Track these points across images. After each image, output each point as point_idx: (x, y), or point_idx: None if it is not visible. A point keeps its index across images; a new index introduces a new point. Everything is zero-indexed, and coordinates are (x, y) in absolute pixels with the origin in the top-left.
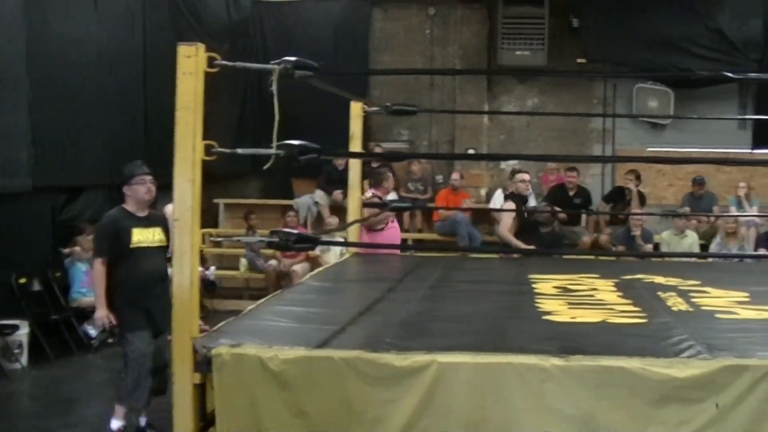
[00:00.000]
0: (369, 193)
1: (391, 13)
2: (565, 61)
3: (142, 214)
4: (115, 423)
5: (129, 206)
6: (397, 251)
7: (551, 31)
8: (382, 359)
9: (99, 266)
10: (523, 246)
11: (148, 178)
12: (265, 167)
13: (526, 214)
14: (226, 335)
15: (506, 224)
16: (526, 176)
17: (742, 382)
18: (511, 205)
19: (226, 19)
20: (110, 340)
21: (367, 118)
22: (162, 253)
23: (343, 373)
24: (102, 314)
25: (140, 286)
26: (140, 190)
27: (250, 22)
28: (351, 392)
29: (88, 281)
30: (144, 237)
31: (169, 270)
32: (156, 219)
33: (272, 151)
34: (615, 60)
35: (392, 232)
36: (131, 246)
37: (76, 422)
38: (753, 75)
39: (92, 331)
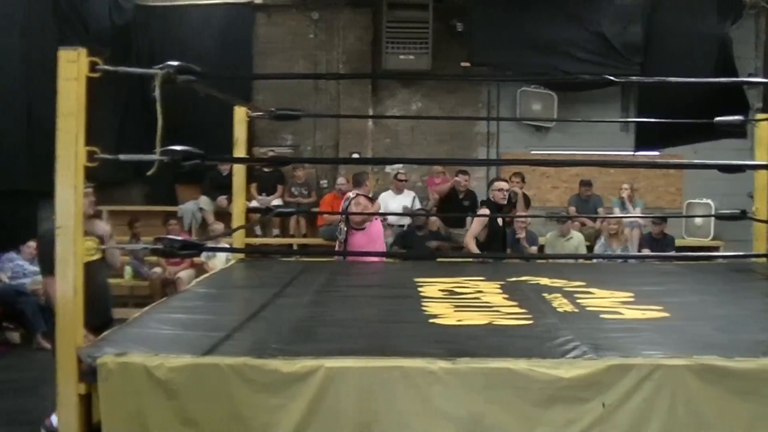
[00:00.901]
0: (352, 194)
1: (275, 18)
2: (449, 65)
3: None
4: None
5: None
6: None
7: (435, 35)
8: (269, 365)
9: (53, 283)
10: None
11: (90, 191)
12: (149, 173)
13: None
14: (111, 344)
15: (473, 231)
16: (504, 185)
17: (627, 381)
18: (486, 210)
19: (109, 23)
20: None
21: (251, 123)
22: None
23: (230, 379)
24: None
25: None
26: (84, 202)
27: (133, 27)
28: (239, 399)
29: None
30: None
31: None
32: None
33: (156, 157)
34: (499, 64)
35: (376, 229)
36: None
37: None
38: (635, 78)
39: None
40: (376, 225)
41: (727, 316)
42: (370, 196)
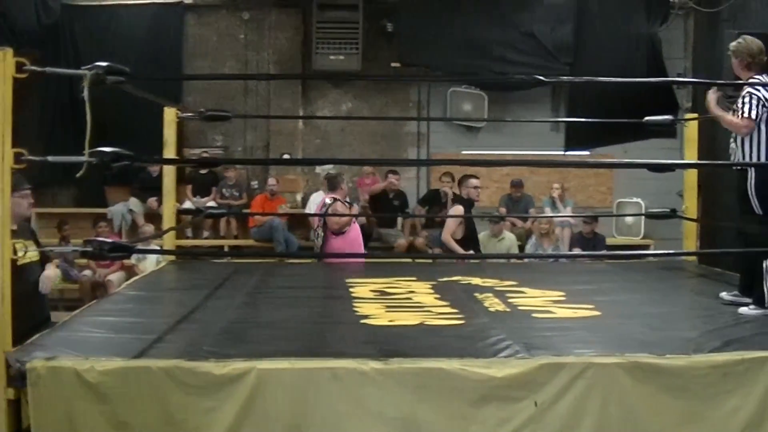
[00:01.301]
0: (329, 199)
1: (204, 18)
2: (379, 66)
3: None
4: None
5: None
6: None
7: (365, 35)
8: (200, 368)
9: None
10: (462, 251)
11: (28, 192)
12: (78, 175)
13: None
14: (40, 348)
15: (450, 229)
16: (478, 182)
17: (559, 379)
18: (460, 208)
19: (35, 23)
20: None
21: (181, 124)
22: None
23: (162, 382)
24: None
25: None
26: (23, 203)
27: (61, 27)
28: (171, 402)
29: None
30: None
31: None
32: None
33: (84, 158)
34: (429, 64)
35: (355, 234)
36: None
37: None
38: (565, 78)
39: None
40: (355, 230)
41: (658, 314)
42: (347, 200)
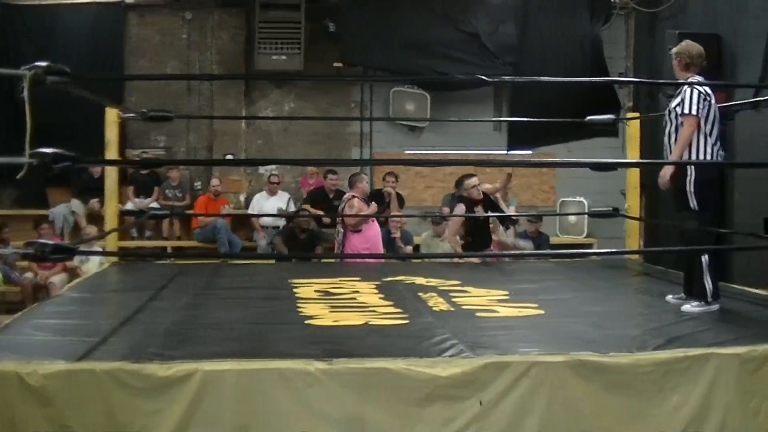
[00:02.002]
0: (348, 195)
1: (146, 18)
2: (322, 66)
3: None
4: None
5: None
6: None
7: (308, 35)
8: (145, 370)
9: None
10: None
11: None
12: (19, 176)
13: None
14: None
15: (453, 230)
16: (476, 180)
17: (504, 378)
18: (462, 207)
19: None
20: None
21: (123, 124)
22: None
23: (106, 385)
24: None
25: None
26: None
27: (1, 27)
28: (115, 404)
29: None
30: None
31: None
32: None
33: (25, 159)
34: (371, 64)
35: (373, 232)
36: None
37: None
38: (507, 78)
39: None
40: (374, 228)
41: (602, 313)
42: (364, 196)
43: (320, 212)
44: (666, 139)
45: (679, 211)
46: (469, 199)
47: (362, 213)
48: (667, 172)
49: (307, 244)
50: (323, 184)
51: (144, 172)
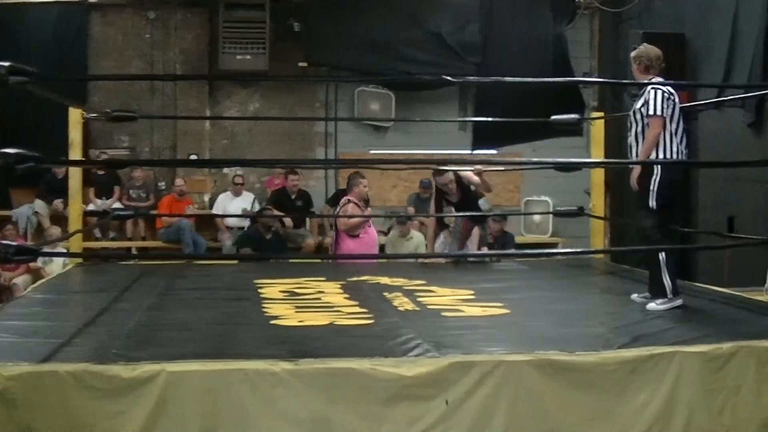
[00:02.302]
0: (344, 199)
1: (109, 18)
2: (287, 65)
3: None
4: None
5: None
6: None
7: (272, 35)
8: (109, 371)
9: None
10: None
11: None
12: None
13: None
14: None
15: (435, 228)
16: (453, 176)
17: (470, 378)
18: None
19: None
20: None
21: (87, 124)
22: None
23: (70, 387)
24: None
25: None
26: None
27: None
28: (79, 406)
29: None
30: None
31: None
32: None
33: None
34: (336, 64)
35: (369, 239)
36: None
37: None
38: (472, 78)
39: None
40: (371, 234)
41: (567, 312)
42: (361, 200)
43: (281, 213)
44: (632, 140)
45: (639, 210)
46: (445, 193)
47: (353, 218)
48: (635, 173)
49: (276, 245)
50: (285, 184)
51: (101, 172)
